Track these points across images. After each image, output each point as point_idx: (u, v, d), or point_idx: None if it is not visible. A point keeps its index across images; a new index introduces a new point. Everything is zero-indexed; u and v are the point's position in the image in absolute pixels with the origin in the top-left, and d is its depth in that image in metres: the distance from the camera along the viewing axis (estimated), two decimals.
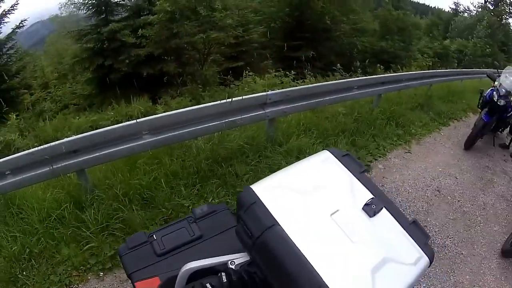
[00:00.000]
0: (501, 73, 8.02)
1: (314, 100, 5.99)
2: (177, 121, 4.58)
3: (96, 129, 4.35)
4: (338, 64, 12.04)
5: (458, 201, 5.61)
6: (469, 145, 7.68)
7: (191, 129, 4.64)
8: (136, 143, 4.33)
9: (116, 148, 4.24)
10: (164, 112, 5.10)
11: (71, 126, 9.05)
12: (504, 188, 6.35)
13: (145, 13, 15.63)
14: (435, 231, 4.81)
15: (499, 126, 8.31)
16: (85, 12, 15.66)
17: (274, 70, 11.62)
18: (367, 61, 13.83)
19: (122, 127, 4.25)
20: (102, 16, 15.37)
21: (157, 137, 4.44)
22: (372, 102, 7.97)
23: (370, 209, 1.84)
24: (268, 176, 2.03)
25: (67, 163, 4.03)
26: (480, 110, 8.06)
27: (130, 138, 4.32)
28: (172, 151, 5.06)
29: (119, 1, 16.06)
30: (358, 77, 9.51)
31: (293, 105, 5.64)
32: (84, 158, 4.10)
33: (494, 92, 7.51)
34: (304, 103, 5.83)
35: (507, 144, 8.55)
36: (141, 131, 4.36)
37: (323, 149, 2.23)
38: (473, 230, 5.02)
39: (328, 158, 2.13)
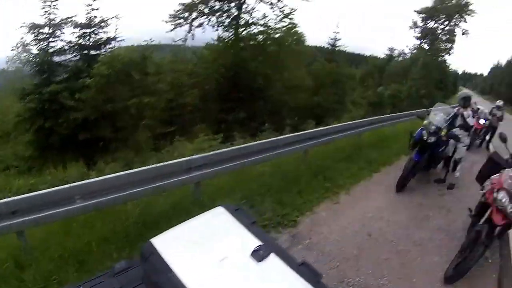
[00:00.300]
0: (430, 111, 8.46)
1: (239, 162, 6.24)
2: (107, 186, 4.73)
3: (34, 192, 4.46)
4: (267, 124, 12.47)
5: (391, 241, 5.72)
6: (400, 186, 7.87)
7: (120, 194, 4.80)
8: (69, 207, 4.45)
9: (52, 211, 4.34)
10: (96, 177, 5.21)
11: (12, 187, 9.03)
12: (441, 221, 6.58)
13: (84, 75, 15.79)
14: (367, 274, 4.87)
15: (432, 162, 8.61)
16: (29, 69, 15.95)
17: (204, 134, 11.93)
18: (296, 118, 14.33)
19: (56, 191, 4.38)
20: (44, 76, 15.51)
21: (89, 202, 4.57)
22: (299, 158, 8.15)
23: (258, 255, 2.02)
24: (167, 230, 2.29)
25: (7, 223, 4.10)
26: (411, 151, 8.22)
27: (64, 202, 4.43)
28: (104, 215, 5.13)
29: (61, 62, 16.35)
30: (285, 135, 9.74)
31: (217, 168, 5.85)
32: (22, 219, 4.17)
33: (424, 131, 7.81)
34: (229, 165, 6.06)
35: (443, 178, 8.84)
36: (74, 196, 4.49)
37: (218, 205, 2.51)
38: (410, 265, 5.14)
39: (222, 213, 2.41)
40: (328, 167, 8.18)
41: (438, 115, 8.15)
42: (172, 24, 23.93)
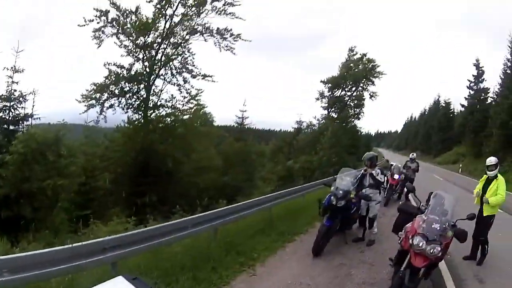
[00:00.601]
0: (337, 177, 8.85)
1: (151, 242, 6.29)
2: (36, 261, 4.69)
3: None
4: (178, 206, 12.57)
5: None
6: (316, 251, 8.00)
7: (35, 272, 4.66)
8: None
9: None
10: (23, 252, 5.24)
11: None
12: (365, 275, 6.85)
13: (3, 151, 15.37)
14: None
15: (346, 224, 8.97)
16: None
17: (118, 217, 12.06)
18: (206, 199, 14.54)
19: None
20: None
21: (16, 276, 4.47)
22: (210, 237, 8.14)
23: None
24: None
25: None
26: (322, 218, 8.43)
27: None
28: None
29: None
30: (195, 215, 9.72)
31: (131, 248, 5.86)
32: None
33: (332, 197, 8.19)
34: (143, 245, 6.08)
35: (361, 236, 9.29)
36: (1, 269, 4.37)
37: (117, 275, 2.60)
38: None
39: (121, 282, 2.48)
40: (240, 243, 8.26)
41: (344, 180, 8.66)
42: (85, 105, 23.95)
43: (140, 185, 19.62)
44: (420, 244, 5.29)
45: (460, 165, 45.13)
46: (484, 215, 7.84)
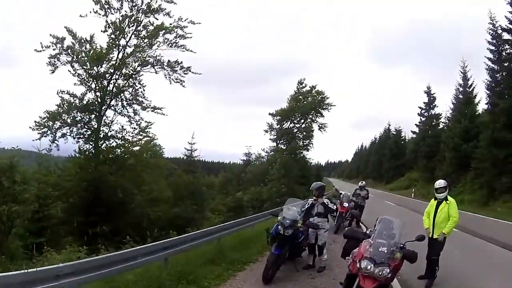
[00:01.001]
0: (283, 207, 9.14)
1: (104, 270, 6.32)
2: None
3: None
4: (128, 236, 12.71)
5: None
6: (267, 279, 8.10)
7: None
8: None
9: None
10: None
11: None
12: None
13: None
14: None
15: (296, 252, 9.15)
16: None
17: (71, 246, 11.96)
18: (155, 230, 14.54)
19: None
20: None
21: None
22: (161, 266, 8.17)
23: None
24: None
25: None
26: (271, 246, 8.54)
27: None
28: None
29: None
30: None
31: (83, 276, 5.88)
32: None
33: (279, 226, 8.36)
34: (95, 274, 6.12)
35: (312, 263, 9.50)
36: None
37: None
38: None
39: None
40: (191, 272, 8.30)
41: (291, 209, 8.92)
42: (38, 133, 23.59)
43: (92, 215, 19.34)
44: (368, 267, 5.45)
45: (413, 190, 46.73)
46: (435, 237, 8.14)
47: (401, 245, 6.04)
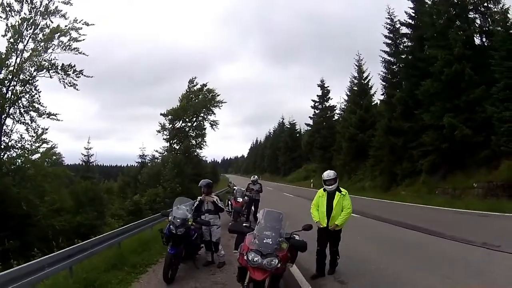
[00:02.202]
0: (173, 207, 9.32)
1: (16, 284, 6.39)
2: None
3: None
4: (35, 249, 12.71)
5: None
6: (167, 279, 8.22)
7: None
8: None
9: None
10: None
11: None
12: None
13: None
14: None
15: (192, 250, 9.48)
16: None
17: None
18: (60, 240, 14.46)
19: None
20: None
21: None
22: (67, 275, 8.25)
23: None
24: None
25: None
26: (167, 246, 8.63)
27: None
28: None
29: None
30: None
31: None
32: None
33: (171, 226, 8.53)
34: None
35: (211, 260, 9.96)
36: None
37: None
38: None
39: None
40: (96, 279, 8.31)
41: (180, 209, 9.14)
42: None
43: (1, 230, 18.60)
44: (255, 259, 5.55)
45: (312, 181, 48.75)
46: (330, 229, 7.98)
47: (288, 236, 6.24)
